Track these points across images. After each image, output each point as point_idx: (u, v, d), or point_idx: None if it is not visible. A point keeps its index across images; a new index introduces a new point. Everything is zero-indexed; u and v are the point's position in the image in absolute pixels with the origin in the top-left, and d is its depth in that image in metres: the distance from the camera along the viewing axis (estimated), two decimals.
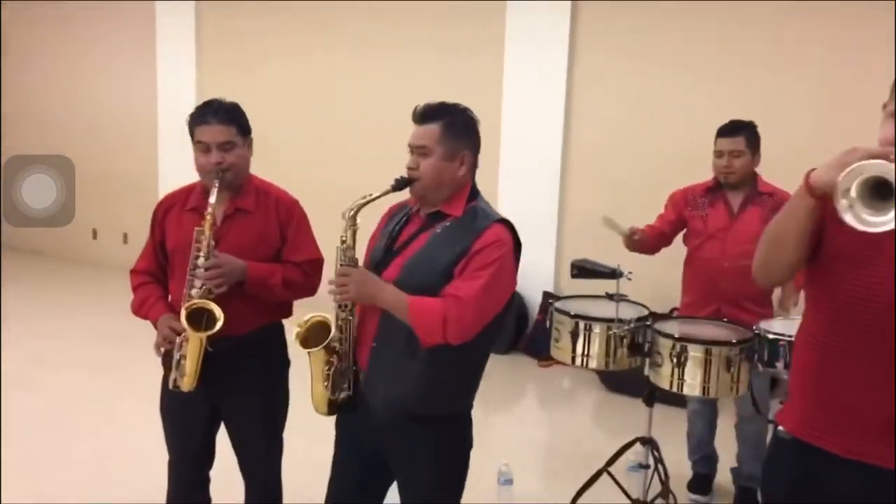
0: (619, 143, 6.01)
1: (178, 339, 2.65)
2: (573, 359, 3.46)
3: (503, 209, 6.69)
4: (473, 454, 2.47)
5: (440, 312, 2.21)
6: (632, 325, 3.35)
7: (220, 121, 2.67)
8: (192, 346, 2.64)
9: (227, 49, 7.80)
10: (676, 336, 3.20)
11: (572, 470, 4.16)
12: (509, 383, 5.81)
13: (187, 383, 2.68)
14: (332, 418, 2.55)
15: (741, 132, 3.70)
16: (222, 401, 2.83)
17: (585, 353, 3.44)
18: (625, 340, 3.37)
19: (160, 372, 2.86)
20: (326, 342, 2.40)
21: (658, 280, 5.55)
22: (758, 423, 3.77)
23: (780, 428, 2.04)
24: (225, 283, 2.63)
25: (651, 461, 3.57)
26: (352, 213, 2.38)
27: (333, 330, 2.40)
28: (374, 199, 2.38)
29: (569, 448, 4.74)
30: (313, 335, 2.46)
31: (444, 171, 2.34)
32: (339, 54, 7.22)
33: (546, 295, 6.26)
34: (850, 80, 5.19)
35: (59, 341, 6.23)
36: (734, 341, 3.17)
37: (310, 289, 2.82)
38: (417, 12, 6.71)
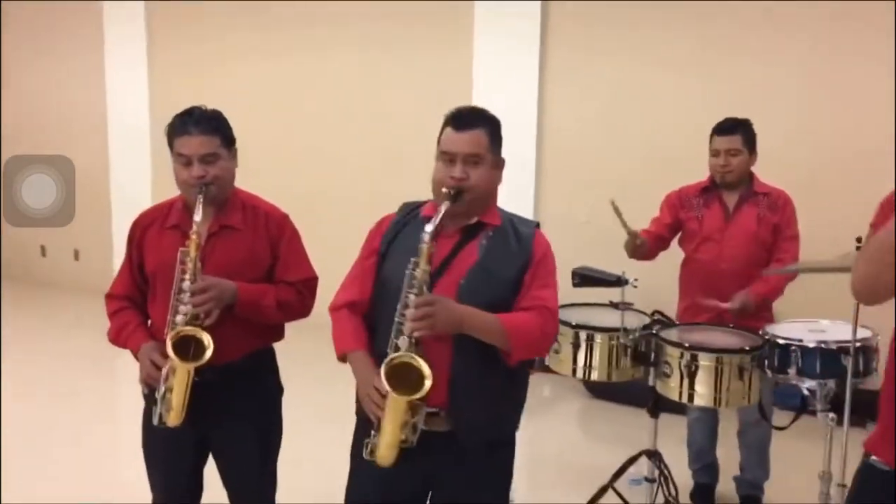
0: (595, 143, 5.88)
1: (163, 371, 2.42)
2: (574, 370, 3.31)
3: None
4: None
5: (538, 327, 2.16)
6: (637, 335, 3.21)
7: (202, 131, 2.45)
8: (180, 377, 2.41)
9: (180, 50, 7.48)
10: (686, 345, 3.06)
11: (564, 482, 4.04)
12: None
13: (174, 418, 2.45)
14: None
15: (738, 130, 3.60)
16: (211, 433, 2.60)
17: (587, 364, 3.30)
18: (629, 350, 3.23)
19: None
20: (424, 390, 2.06)
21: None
22: (763, 428, 3.66)
23: (875, 458, 1.88)
24: (214, 307, 2.41)
25: (656, 475, 3.43)
26: (428, 236, 2.08)
27: (427, 372, 2.07)
28: (441, 219, 2.10)
29: (558, 459, 4.59)
30: (397, 376, 2.10)
31: (493, 180, 2.27)
32: (300, 53, 6.97)
33: None
34: (834, 75, 5.14)
35: (15, 365, 5.87)
36: (747, 348, 3.04)
37: (304, 310, 2.61)
38: (383, 9, 6.50)
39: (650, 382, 3.26)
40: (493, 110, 6.40)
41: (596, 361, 3.27)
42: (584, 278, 3.29)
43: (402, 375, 2.06)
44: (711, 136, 3.66)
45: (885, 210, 3.05)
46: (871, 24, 4.94)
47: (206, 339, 2.39)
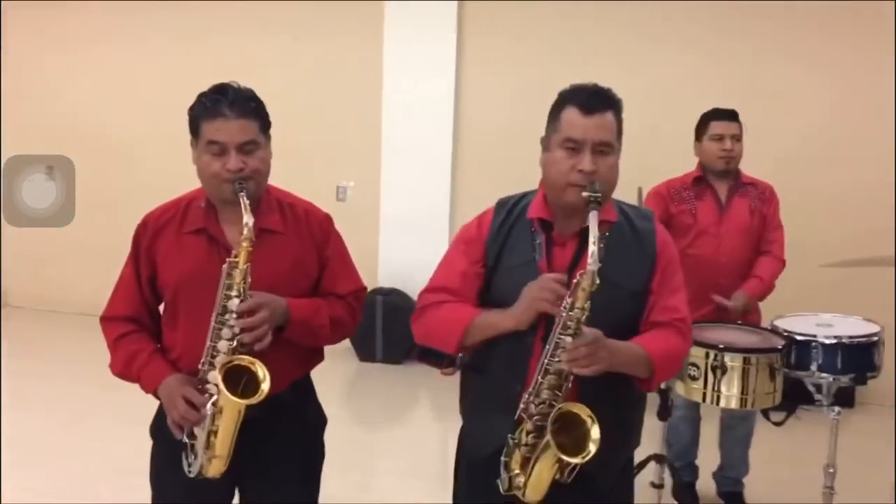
0: (515, 132, 5.63)
1: (206, 411, 1.97)
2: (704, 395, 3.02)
3: (389, 205, 6.14)
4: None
5: (680, 348, 1.97)
6: None
7: (240, 113, 2.00)
8: (229, 417, 1.97)
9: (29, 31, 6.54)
10: (721, 346, 2.93)
11: None
12: (412, 394, 5.35)
13: (217, 467, 2.02)
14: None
15: (737, 116, 3.53)
16: (247, 481, 2.16)
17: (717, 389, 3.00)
18: None
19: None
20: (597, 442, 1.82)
21: None
22: (749, 423, 3.65)
23: None
24: (267, 331, 1.98)
25: (663, 480, 3.32)
26: (591, 275, 1.77)
27: (589, 420, 1.82)
28: (599, 243, 1.78)
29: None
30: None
31: (618, 172, 1.96)
32: (185, 38, 6.25)
33: None
34: (754, 66, 5.25)
35: None
36: (779, 347, 2.96)
37: (354, 327, 2.23)
38: None
39: (662, 385, 3.13)
40: (406, 101, 6.05)
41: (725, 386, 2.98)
42: None
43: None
44: (707, 122, 3.56)
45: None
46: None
47: (262, 370, 1.96)
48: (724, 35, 5.28)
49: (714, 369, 2.93)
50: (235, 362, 1.96)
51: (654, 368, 1.90)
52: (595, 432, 1.82)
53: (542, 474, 1.88)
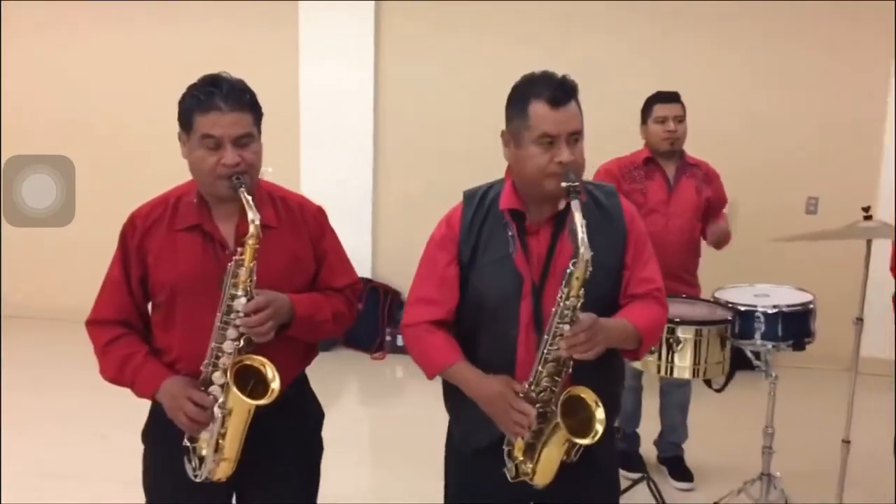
0: (436, 115, 5.72)
1: (215, 412, 1.93)
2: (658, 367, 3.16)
3: (308, 190, 6.09)
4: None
5: (661, 317, 2.04)
6: None
7: (235, 105, 1.95)
8: (238, 418, 1.95)
9: None
10: (676, 319, 3.06)
11: (421, 466, 3.81)
12: (342, 379, 5.35)
13: (225, 469, 1.99)
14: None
15: (679, 98, 3.68)
16: (249, 481, 2.13)
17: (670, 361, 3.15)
18: None
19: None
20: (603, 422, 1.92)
21: None
22: (686, 389, 3.82)
23: None
24: (272, 329, 1.96)
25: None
26: (585, 263, 1.81)
27: (594, 403, 1.90)
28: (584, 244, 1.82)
29: (412, 442, 4.25)
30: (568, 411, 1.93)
31: None
32: (98, 27, 5.92)
33: (364, 282, 5.84)
34: (667, 49, 5.43)
35: None
36: (729, 318, 3.12)
37: (352, 320, 2.22)
38: None
39: None
40: (325, 85, 5.90)
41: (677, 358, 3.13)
42: None
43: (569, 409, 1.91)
44: (651, 105, 3.69)
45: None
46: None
47: (271, 370, 1.95)
48: (649, 19, 5.40)
49: (669, 342, 3.07)
50: (245, 362, 1.93)
51: (642, 339, 1.97)
52: (600, 413, 1.90)
53: (552, 457, 1.95)
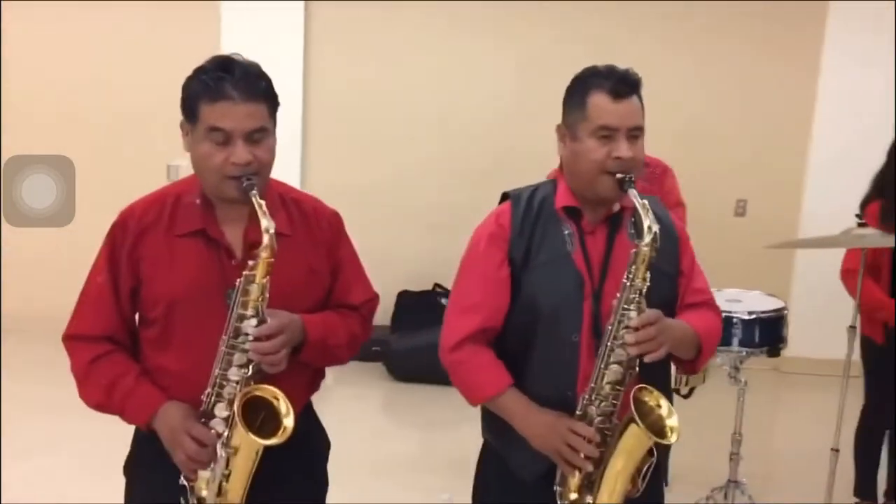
0: (368, 106, 5.47)
1: (218, 450, 1.66)
2: None
3: None
4: None
5: (719, 327, 1.97)
6: None
7: (249, 95, 1.68)
8: (245, 458, 1.69)
9: None
10: None
11: (368, 471, 3.67)
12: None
13: None
14: None
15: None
16: None
17: None
18: None
19: None
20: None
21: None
22: None
23: None
24: (287, 357, 1.71)
25: None
26: (649, 237, 1.71)
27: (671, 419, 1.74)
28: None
29: (362, 447, 4.02)
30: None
31: None
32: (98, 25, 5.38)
33: None
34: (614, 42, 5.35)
35: None
36: None
37: (364, 341, 1.97)
38: None
39: None
40: None
41: None
42: None
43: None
44: None
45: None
46: None
47: (284, 404, 1.69)
48: (590, 13, 5.32)
49: None
50: (255, 393, 1.67)
51: (701, 347, 1.85)
52: (671, 416, 1.74)
53: (617, 487, 1.75)
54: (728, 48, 5.31)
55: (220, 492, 1.68)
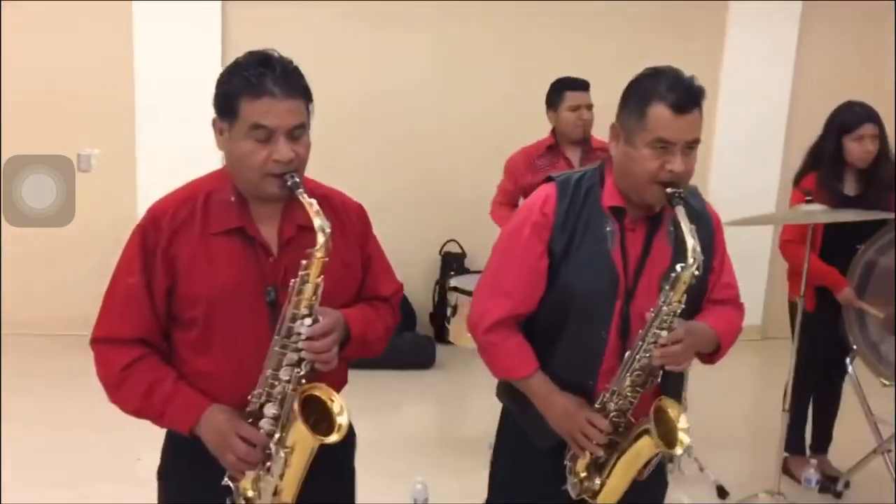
0: None
1: (272, 449, 1.68)
2: None
3: (148, 175, 5.48)
4: None
5: (740, 326, 2.00)
6: None
7: (290, 91, 1.67)
8: (301, 456, 1.69)
9: None
10: None
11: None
12: None
13: None
14: None
15: (588, 86, 3.72)
16: None
17: None
18: None
19: None
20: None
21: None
22: None
23: None
24: (336, 355, 1.72)
25: None
26: (693, 267, 1.76)
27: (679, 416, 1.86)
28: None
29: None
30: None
31: None
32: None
33: None
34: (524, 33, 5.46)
35: None
36: None
37: (393, 332, 1.99)
38: None
39: None
40: (165, 57, 5.35)
41: None
42: None
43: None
44: (561, 92, 3.70)
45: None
46: None
47: (338, 402, 1.71)
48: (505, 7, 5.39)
49: None
50: (313, 392, 1.68)
51: (721, 345, 1.95)
52: (683, 423, 1.85)
53: (626, 474, 1.88)
54: (633, 46, 5.36)
55: (275, 491, 1.69)
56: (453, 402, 4.74)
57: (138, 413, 1.74)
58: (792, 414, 3.57)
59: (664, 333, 1.78)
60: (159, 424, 1.76)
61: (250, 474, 1.71)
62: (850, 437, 3.76)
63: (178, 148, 5.21)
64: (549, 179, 1.99)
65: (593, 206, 1.91)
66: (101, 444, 3.74)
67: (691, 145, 1.82)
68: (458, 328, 3.16)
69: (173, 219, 1.72)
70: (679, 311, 1.79)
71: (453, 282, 3.23)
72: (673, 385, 1.94)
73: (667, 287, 1.78)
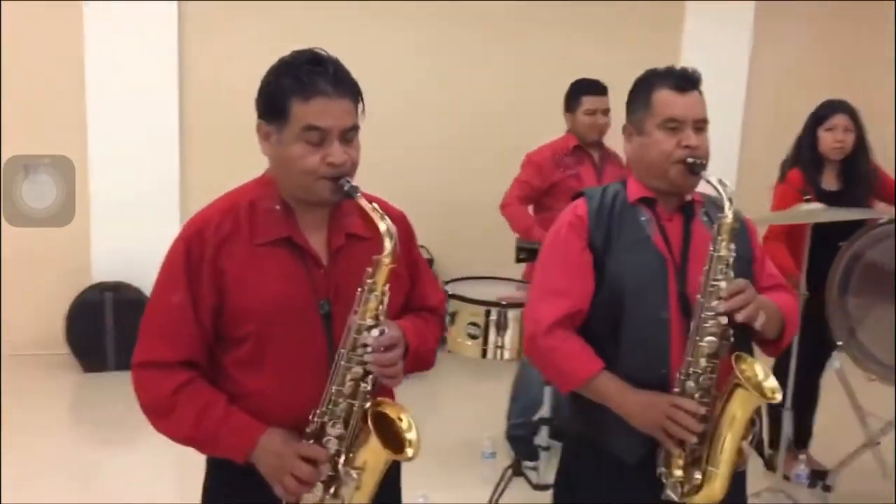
0: (242, 101, 5.19)
1: (352, 475, 1.57)
2: (485, 351, 3.11)
3: (99, 184, 5.23)
4: None
5: (797, 309, 2.02)
6: None
7: (343, 92, 1.60)
8: (371, 475, 1.60)
9: None
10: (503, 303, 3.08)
11: None
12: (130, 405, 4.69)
13: None
14: None
15: (606, 90, 3.79)
16: None
17: (499, 344, 3.12)
18: None
19: None
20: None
21: None
22: None
23: None
24: (402, 369, 1.64)
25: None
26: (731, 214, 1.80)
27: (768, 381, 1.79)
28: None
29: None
30: None
31: None
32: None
33: None
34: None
35: None
36: None
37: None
38: None
39: None
40: (119, 62, 5.09)
41: (507, 340, 3.11)
42: (530, 252, 3.08)
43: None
44: (579, 96, 3.78)
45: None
46: None
47: (406, 418, 1.63)
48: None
49: (497, 325, 3.07)
50: (380, 409, 1.58)
51: (785, 325, 1.92)
52: (772, 382, 1.80)
53: (733, 442, 1.78)
54: (593, 48, 5.46)
55: None
56: (450, 411, 4.61)
57: (190, 441, 1.62)
58: (769, 410, 3.59)
59: (723, 284, 1.76)
60: (212, 453, 1.66)
61: (309, 498, 1.60)
62: (830, 432, 3.81)
63: (131, 159, 5.03)
64: (577, 196, 2.02)
65: (623, 205, 1.96)
66: None
67: (700, 125, 1.88)
68: (455, 335, 3.11)
69: (218, 230, 1.62)
70: (731, 260, 1.77)
71: (450, 288, 3.15)
72: (744, 348, 1.87)
73: (715, 233, 1.79)
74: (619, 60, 5.44)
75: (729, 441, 1.77)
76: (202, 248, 1.61)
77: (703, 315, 1.77)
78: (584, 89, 3.81)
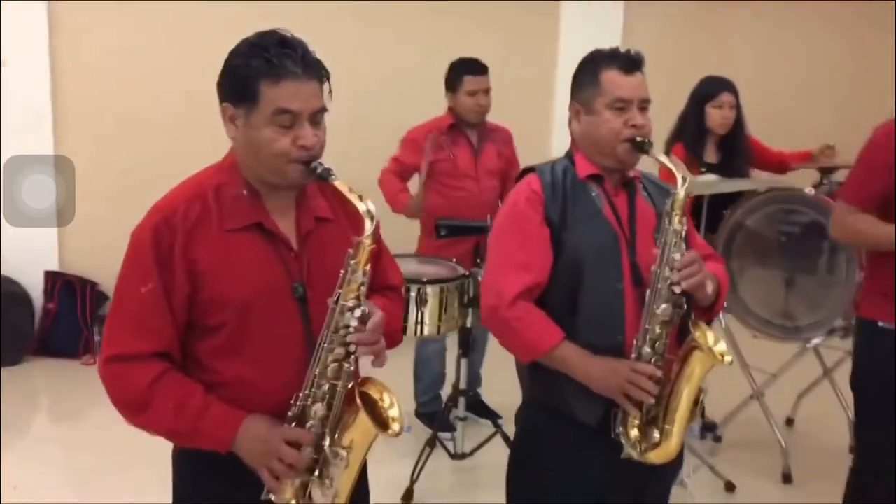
0: (127, 80, 4.97)
1: (341, 454, 1.58)
2: (405, 329, 3.12)
3: None
4: None
5: (727, 277, 2.08)
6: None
7: (311, 73, 1.59)
8: (358, 453, 1.61)
9: None
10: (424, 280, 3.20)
11: None
12: (44, 394, 4.53)
13: None
14: None
15: (487, 70, 3.75)
16: None
17: (420, 320, 3.18)
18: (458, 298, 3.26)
19: None
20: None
21: None
22: (486, 340, 3.92)
23: (882, 323, 2.43)
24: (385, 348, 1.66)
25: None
26: (683, 190, 1.91)
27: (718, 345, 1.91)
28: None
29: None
30: None
31: None
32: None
33: (51, 276, 4.91)
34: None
35: None
36: (467, 274, 3.30)
37: None
38: None
39: (468, 323, 3.34)
40: None
41: (426, 316, 3.18)
42: (451, 229, 3.11)
43: None
44: (460, 76, 3.71)
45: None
46: None
47: (388, 396, 1.65)
48: None
49: (418, 302, 3.15)
50: (363, 389, 1.61)
51: (720, 292, 2.02)
52: (722, 346, 1.91)
53: (688, 401, 1.90)
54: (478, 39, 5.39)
55: (335, 496, 1.59)
56: None
57: (170, 434, 1.59)
58: None
59: (677, 256, 1.87)
60: (191, 444, 1.61)
61: (292, 484, 1.60)
62: (718, 387, 4.09)
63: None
64: (525, 172, 2.09)
65: (573, 180, 2.03)
66: None
67: (644, 105, 1.99)
68: None
69: (186, 217, 1.58)
70: (683, 232, 1.89)
71: None
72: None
73: (667, 208, 1.91)
74: (495, 40, 5.65)
75: (685, 400, 1.90)
76: (172, 236, 1.56)
77: (659, 285, 1.88)
78: (463, 69, 3.75)
